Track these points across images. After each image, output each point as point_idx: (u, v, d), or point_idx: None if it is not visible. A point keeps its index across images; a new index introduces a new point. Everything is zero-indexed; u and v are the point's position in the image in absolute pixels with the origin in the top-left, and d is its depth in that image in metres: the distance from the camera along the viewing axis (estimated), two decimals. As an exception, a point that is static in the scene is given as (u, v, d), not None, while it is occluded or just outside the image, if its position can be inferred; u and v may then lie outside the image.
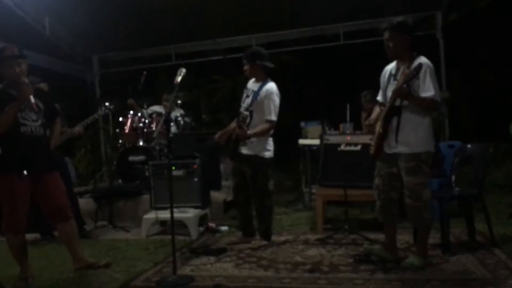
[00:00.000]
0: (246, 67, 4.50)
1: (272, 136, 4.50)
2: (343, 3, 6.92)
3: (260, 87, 4.41)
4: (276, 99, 4.39)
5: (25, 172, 3.57)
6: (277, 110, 4.38)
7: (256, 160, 4.40)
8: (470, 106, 9.70)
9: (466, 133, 8.10)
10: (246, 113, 4.28)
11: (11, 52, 3.63)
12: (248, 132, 4.26)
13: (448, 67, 7.58)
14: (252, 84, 4.55)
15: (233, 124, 4.55)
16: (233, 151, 4.48)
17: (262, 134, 4.35)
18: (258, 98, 4.38)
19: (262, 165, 4.43)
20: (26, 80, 3.61)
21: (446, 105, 7.30)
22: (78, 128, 4.94)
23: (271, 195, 4.67)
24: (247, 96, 4.50)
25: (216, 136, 4.64)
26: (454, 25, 7.69)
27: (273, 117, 4.35)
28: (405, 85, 3.44)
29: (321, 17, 7.35)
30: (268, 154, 4.45)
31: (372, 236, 4.47)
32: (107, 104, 5.36)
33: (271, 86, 4.43)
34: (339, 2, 6.91)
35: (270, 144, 4.47)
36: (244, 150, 4.43)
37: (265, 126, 4.33)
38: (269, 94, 4.36)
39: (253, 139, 4.35)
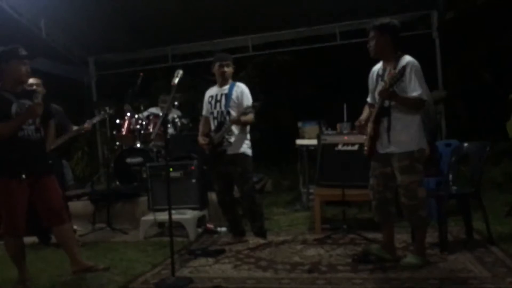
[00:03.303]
0: (229, 69, 4.65)
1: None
2: (339, 3, 6.92)
3: (231, 88, 4.61)
4: (249, 93, 4.62)
5: (23, 175, 3.57)
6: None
7: (242, 159, 4.54)
8: (467, 104, 9.72)
9: (463, 131, 8.12)
10: (250, 109, 4.38)
11: (19, 52, 3.65)
12: (246, 118, 4.42)
13: (444, 66, 7.59)
14: (217, 90, 4.70)
15: (205, 130, 4.73)
16: (216, 155, 4.57)
17: (251, 122, 4.55)
18: (233, 97, 4.56)
19: (248, 163, 4.59)
20: (39, 100, 3.66)
21: (443, 104, 7.32)
22: (87, 125, 5.04)
23: (263, 193, 4.75)
24: (217, 101, 4.63)
25: (202, 141, 4.68)
26: (450, 24, 7.71)
27: None
28: (391, 89, 3.46)
29: (317, 17, 7.36)
30: (251, 152, 4.63)
31: (370, 235, 4.48)
32: (106, 108, 5.45)
33: (241, 84, 4.71)
34: (335, 2, 6.91)
35: (250, 142, 4.64)
36: (229, 151, 4.52)
37: (252, 115, 4.50)
38: (243, 90, 4.60)
39: (233, 138, 4.49)
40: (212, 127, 4.65)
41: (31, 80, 4.86)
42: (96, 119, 5.37)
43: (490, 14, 8.64)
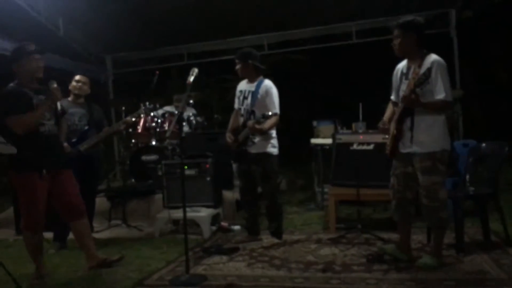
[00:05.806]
0: (238, 66, 4.59)
1: (277, 134, 4.59)
2: (355, 2, 6.88)
3: (258, 86, 4.52)
4: (276, 93, 4.53)
5: (44, 171, 3.62)
6: (278, 102, 4.51)
7: (265, 158, 4.48)
8: (485, 104, 9.60)
9: (481, 131, 8.01)
10: (263, 119, 4.31)
11: (27, 48, 3.67)
12: (260, 126, 4.31)
13: (462, 65, 7.50)
14: (246, 85, 4.64)
15: (234, 124, 4.69)
16: (240, 152, 4.54)
17: (273, 127, 4.48)
18: (259, 96, 4.48)
19: (271, 162, 4.52)
20: (55, 84, 3.69)
21: (460, 104, 7.23)
22: (129, 119, 5.14)
23: (280, 193, 4.72)
24: (245, 98, 4.59)
25: (228, 139, 4.64)
26: (468, 22, 7.61)
27: (278, 110, 4.49)
28: (418, 89, 3.42)
29: (333, 15, 7.31)
30: (275, 151, 4.55)
31: (385, 235, 4.44)
32: (147, 103, 5.59)
33: (268, 82, 4.57)
34: (351, 1, 6.87)
35: (276, 141, 4.57)
36: (252, 150, 4.49)
37: (273, 119, 4.43)
38: (268, 89, 4.49)
39: (258, 138, 4.44)
40: (241, 123, 4.62)
41: (78, 77, 4.93)
42: (135, 115, 5.36)
43: (508, 13, 8.52)
